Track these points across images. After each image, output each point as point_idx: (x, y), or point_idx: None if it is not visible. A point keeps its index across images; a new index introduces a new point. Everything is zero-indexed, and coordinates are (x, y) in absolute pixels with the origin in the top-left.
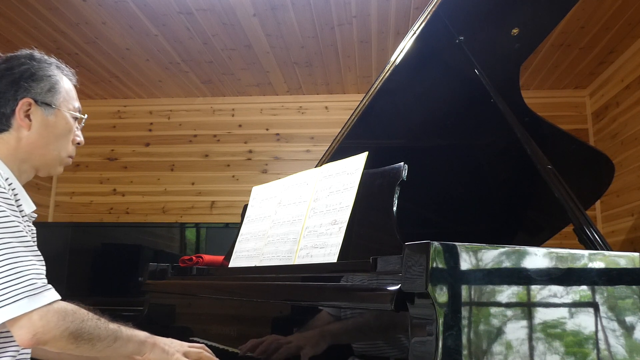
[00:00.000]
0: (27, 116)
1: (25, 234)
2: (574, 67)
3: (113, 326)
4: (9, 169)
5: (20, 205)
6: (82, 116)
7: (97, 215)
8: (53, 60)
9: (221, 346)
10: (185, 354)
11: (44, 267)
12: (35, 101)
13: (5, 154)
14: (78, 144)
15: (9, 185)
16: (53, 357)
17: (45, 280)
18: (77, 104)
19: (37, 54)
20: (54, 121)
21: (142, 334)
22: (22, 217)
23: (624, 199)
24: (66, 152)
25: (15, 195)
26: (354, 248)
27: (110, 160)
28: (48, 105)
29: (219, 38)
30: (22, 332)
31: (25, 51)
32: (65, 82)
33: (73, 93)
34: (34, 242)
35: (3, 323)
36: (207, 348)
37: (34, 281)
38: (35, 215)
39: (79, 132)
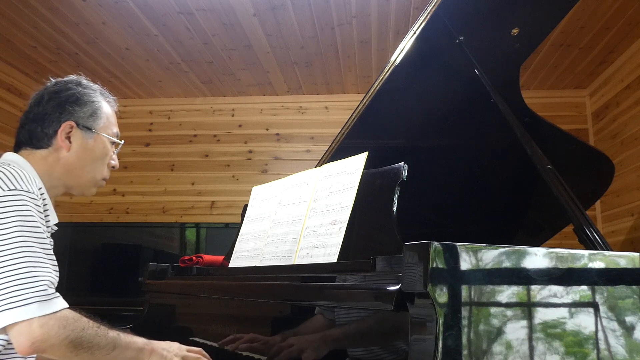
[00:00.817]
0: (68, 138)
1: (48, 242)
2: (574, 67)
3: (112, 334)
4: (42, 181)
5: (48, 214)
6: (120, 142)
7: (97, 215)
8: (97, 87)
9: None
10: (184, 359)
11: (58, 278)
12: (77, 124)
13: (42, 168)
14: (113, 167)
15: (42, 194)
16: None
17: (55, 289)
18: (115, 130)
19: (84, 80)
20: (93, 145)
21: (140, 341)
22: (47, 227)
23: (624, 199)
24: (101, 175)
25: (45, 204)
26: (354, 248)
27: None
28: (89, 129)
29: (219, 38)
30: (21, 338)
31: (73, 77)
32: (107, 108)
33: (113, 119)
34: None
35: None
36: (204, 352)
37: (47, 288)
38: (56, 228)
39: (114, 157)
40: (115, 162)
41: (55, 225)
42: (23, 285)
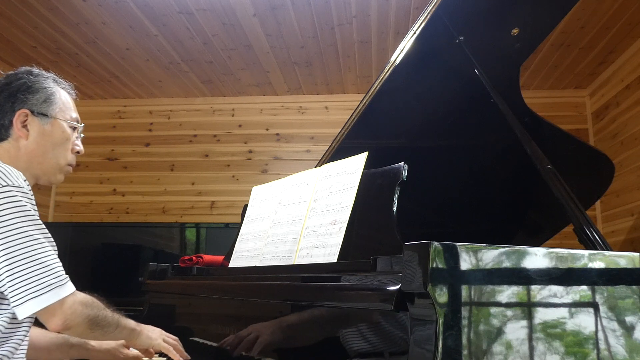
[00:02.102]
0: (25, 126)
1: (47, 232)
2: (574, 67)
3: (116, 315)
4: None
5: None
6: (79, 125)
7: (97, 215)
8: (50, 74)
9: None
10: (164, 341)
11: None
12: (32, 112)
13: (7, 162)
14: (78, 152)
15: (30, 190)
16: (45, 357)
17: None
18: (74, 114)
19: (35, 69)
20: (51, 130)
21: (132, 323)
22: None
23: (624, 199)
24: (65, 160)
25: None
26: (354, 248)
27: (110, 160)
28: (44, 115)
29: (219, 38)
30: (55, 319)
31: (24, 68)
32: (62, 94)
33: (70, 104)
34: None
35: (4, 317)
36: (179, 343)
37: (60, 272)
38: None
39: (78, 142)
40: (79, 147)
41: None
42: (43, 273)
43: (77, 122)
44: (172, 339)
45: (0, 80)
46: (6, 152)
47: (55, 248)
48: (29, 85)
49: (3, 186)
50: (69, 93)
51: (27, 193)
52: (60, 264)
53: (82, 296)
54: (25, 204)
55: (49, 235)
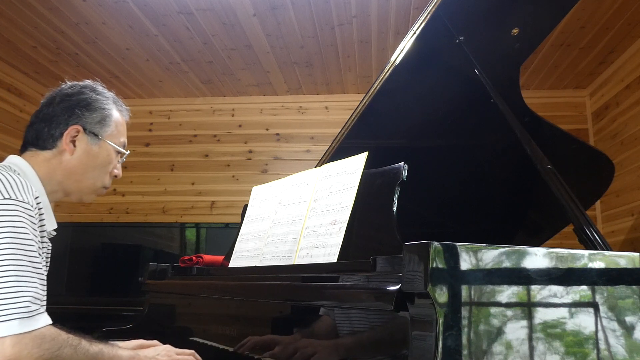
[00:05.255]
0: (73, 142)
1: (38, 256)
2: (574, 67)
3: (94, 349)
4: (42, 185)
5: (43, 222)
6: (125, 152)
7: (97, 215)
8: (111, 94)
9: (221, 346)
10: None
11: (45, 292)
12: (84, 129)
13: (44, 171)
14: (115, 176)
15: (37, 204)
16: None
17: (40, 306)
18: (123, 139)
19: (99, 87)
20: (97, 152)
21: (126, 353)
22: (42, 234)
23: (624, 199)
24: (102, 182)
25: (40, 214)
26: (354, 248)
27: None
28: (95, 135)
29: (219, 38)
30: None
31: (89, 82)
32: (117, 117)
33: (122, 128)
34: (47, 260)
35: None
36: (197, 355)
37: (29, 304)
38: (55, 233)
39: (118, 166)
40: (118, 171)
41: (54, 230)
42: (6, 301)
43: (124, 147)
44: (185, 354)
45: (63, 88)
46: (46, 161)
47: (42, 277)
48: (89, 102)
49: (5, 198)
50: (124, 117)
51: (29, 209)
52: (35, 292)
53: (39, 333)
54: (22, 220)
55: (37, 259)
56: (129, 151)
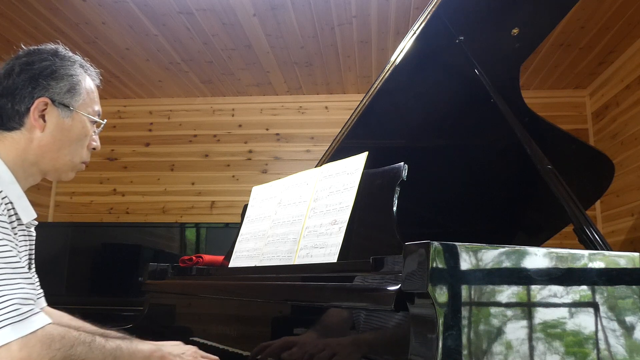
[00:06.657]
0: (42, 116)
1: (15, 255)
2: (574, 67)
3: (111, 344)
4: (12, 173)
5: (16, 216)
6: (101, 121)
7: (97, 215)
8: (77, 58)
9: (221, 346)
10: None
11: (34, 290)
12: (53, 101)
13: (13, 155)
14: (94, 149)
15: (3, 199)
16: None
17: (33, 305)
18: (97, 107)
19: (62, 50)
20: (70, 124)
21: (147, 347)
22: (19, 227)
23: (624, 199)
24: (80, 157)
25: (10, 208)
26: (354, 248)
27: (110, 160)
28: (66, 106)
29: (219, 38)
30: None
31: (50, 46)
32: (88, 83)
33: (94, 95)
34: (30, 253)
35: None
36: None
37: (18, 307)
38: (36, 222)
39: (95, 137)
40: (96, 143)
41: (35, 220)
42: None
43: (99, 116)
44: (211, 358)
45: (20, 56)
46: (14, 143)
47: (25, 276)
48: (53, 70)
49: None
50: (94, 80)
51: None
52: (24, 294)
53: (46, 333)
54: None
55: (15, 260)
56: (105, 120)
